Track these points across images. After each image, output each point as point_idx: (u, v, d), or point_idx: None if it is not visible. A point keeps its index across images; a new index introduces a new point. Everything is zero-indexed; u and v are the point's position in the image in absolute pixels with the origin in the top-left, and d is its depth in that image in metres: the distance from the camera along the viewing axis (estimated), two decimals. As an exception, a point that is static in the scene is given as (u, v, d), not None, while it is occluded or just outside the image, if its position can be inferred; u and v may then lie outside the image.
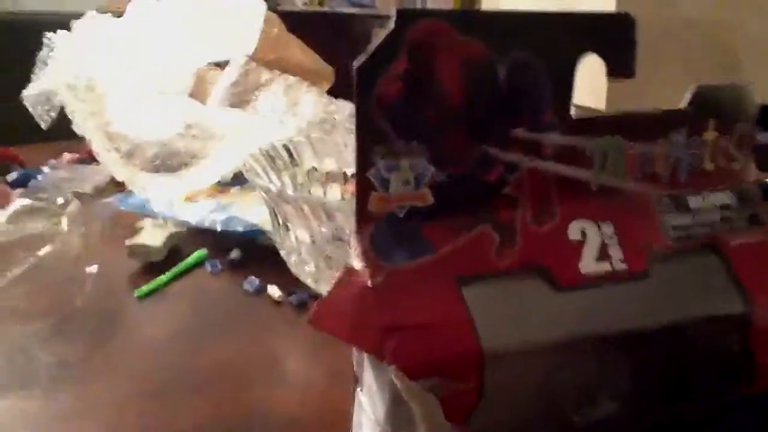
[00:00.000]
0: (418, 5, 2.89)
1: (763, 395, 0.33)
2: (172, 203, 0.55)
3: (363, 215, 0.25)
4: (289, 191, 0.51)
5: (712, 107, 0.32)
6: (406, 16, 0.25)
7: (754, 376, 0.32)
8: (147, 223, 0.58)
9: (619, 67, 0.29)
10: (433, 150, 0.26)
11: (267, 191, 0.44)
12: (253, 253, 0.59)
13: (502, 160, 0.27)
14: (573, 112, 0.29)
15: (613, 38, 0.29)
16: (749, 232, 0.33)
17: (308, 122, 0.59)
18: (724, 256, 0.32)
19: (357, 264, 0.25)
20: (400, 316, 0.24)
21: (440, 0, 2.85)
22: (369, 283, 0.25)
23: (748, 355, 0.31)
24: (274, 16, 0.85)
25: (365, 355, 0.26)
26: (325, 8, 3.08)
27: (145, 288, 0.52)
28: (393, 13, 0.24)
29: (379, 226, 0.26)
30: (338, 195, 0.55)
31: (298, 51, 0.86)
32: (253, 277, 0.54)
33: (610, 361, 0.29)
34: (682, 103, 0.32)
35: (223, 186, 0.64)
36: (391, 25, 0.24)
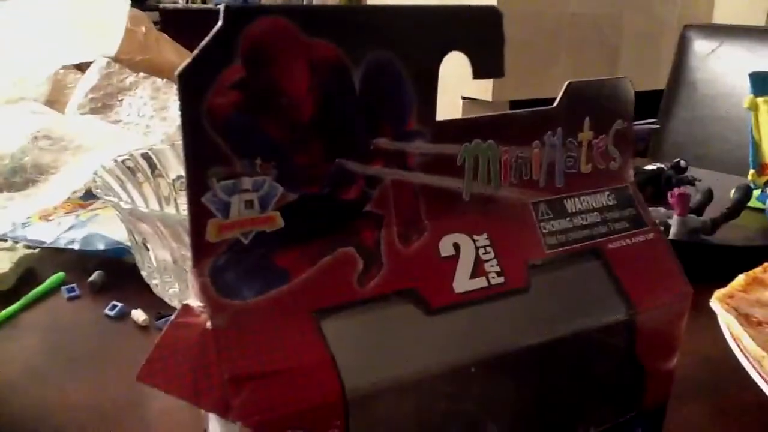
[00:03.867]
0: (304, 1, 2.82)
1: (656, 413, 0.31)
2: (19, 223, 0.49)
3: (200, 247, 0.22)
4: (152, 205, 0.47)
5: (586, 105, 0.31)
6: (237, 14, 0.21)
7: (645, 388, 0.30)
8: (-6, 245, 0.52)
9: (486, 66, 0.27)
10: (281, 168, 0.23)
11: (119, 209, 0.39)
12: (117, 274, 0.54)
13: (362, 175, 0.24)
14: (461, 104, 0.26)
15: (479, 35, 0.26)
16: (630, 234, 0.31)
17: (178, 127, 0.54)
18: (605, 260, 0.30)
19: (195, 303, 0.22)
20: (248, 364, 0.21)
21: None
22: (209, 324, 0.21)
23: (637, 367, 0.30)
24: (142, 14, 0.79)
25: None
26: (209, 5, 2.97)
27: (-14, 323, 0.46)
28: (221, 10, 0.21)
29: (221, 257, 0.22)
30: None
31: (171, 51, 0.80)
32: (116, 302, 0.49)
33: (492, 386, 0.26)
34: (556, 101, 0.30)
35: (85, 200, 0.58)
36: (219, 23, 0.21)
